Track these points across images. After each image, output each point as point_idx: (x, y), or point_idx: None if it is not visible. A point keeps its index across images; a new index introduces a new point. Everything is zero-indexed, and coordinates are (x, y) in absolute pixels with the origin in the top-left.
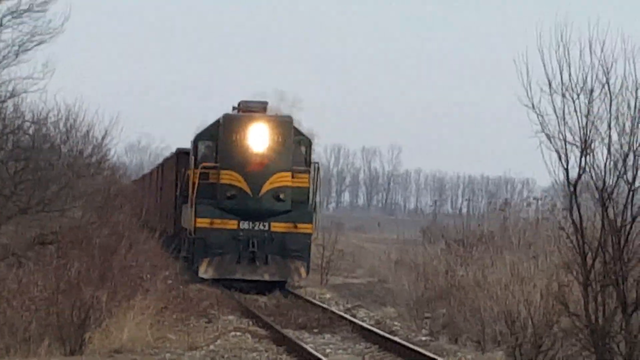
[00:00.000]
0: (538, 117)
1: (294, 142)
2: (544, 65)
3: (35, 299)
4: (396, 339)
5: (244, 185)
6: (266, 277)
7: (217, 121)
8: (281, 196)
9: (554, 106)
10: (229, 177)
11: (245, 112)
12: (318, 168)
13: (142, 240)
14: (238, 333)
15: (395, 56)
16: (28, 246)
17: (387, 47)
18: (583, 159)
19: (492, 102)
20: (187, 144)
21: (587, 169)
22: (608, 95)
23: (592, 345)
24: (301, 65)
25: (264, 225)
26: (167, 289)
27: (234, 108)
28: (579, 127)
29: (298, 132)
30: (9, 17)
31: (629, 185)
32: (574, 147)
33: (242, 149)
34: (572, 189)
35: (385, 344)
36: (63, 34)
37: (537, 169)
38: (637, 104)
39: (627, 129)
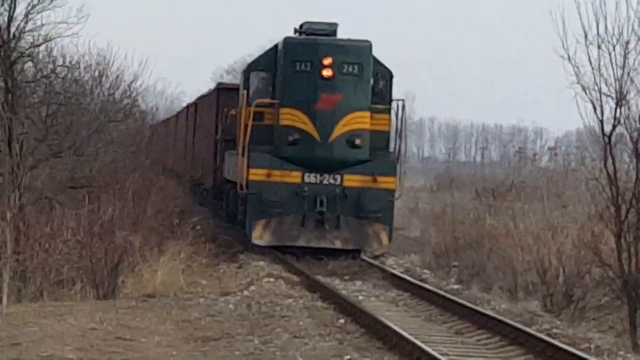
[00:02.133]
0: (573, 68)
1: (373, 74)
2: (580, 17)
3: (68, 243)
4: (428, 286)
5: (310, 127)
6: (337, 245)
7: (275, 47)
8: (357, 142)
9: (589, 57)
10: (291, 117)
11: (310, 36)
12: (403, 106)
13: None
14: (271, 279)
15: (410, 2)
16: (60, 189)
17: None
18: (618, 110)
19: (506, 52)
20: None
21: (622, 121)
22: None
23: (625, 295)
24: (313, 8)
25: (335, 179)
26: (197, 234)
27: (295, 31)
28: (614, 79)
29: (377, 62)
30: None
31: None
32: (609, 99)
33: (308, 81)
34: (607, 140)
35: (417, 291)
36: None
37: (548, 119)
38: None
39: None
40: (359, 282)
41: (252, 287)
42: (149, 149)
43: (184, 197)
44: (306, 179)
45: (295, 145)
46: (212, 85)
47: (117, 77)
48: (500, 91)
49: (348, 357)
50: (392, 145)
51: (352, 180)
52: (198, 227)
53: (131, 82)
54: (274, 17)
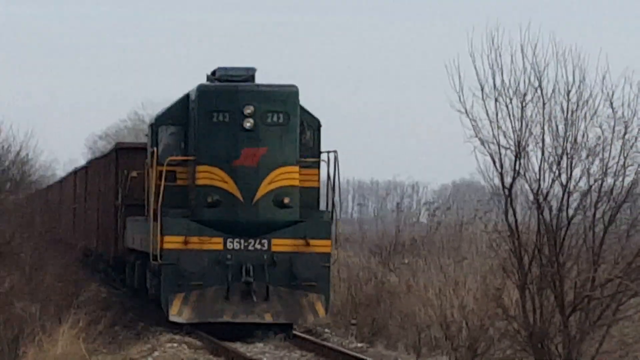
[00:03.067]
0: (471, 122)
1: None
2: (476, 70)
3: None
4: (331, 345)
5: (231, 186)
6: (268, 319)
7: (186, 97)
8: (286, 201)
9: (487, 111)
10: (209, 175)
11: (226, 82)
12: (336, 157)
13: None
14: (174, 344)
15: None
16: None
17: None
18: (517, 162)
19: (379, 105)
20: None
21: (522, 172)
22: (541, 98)
23: (531, 347)
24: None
25: (262, 244)
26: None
27: (208, 78)
28: (513, 131)
29: (302, 110)
30: None
31: (564, 188)
32: (508, 151)
33: (227, 134)
34: (507, 192)
35: (322, 350)
36: None
37: (423, 172)
38: (570, 106)
39: (561, 132)
40: (260, 344)
41: (156, 353)
42: (42, 218)
43: (78, 268)
44: (229, 245)
45: (215, 208)
46: (86, 152)
47: (4, 147)
48: (374, 147)
49: None
50: (322, 203)
51: (282, 244)
52: (98, 296)
53: (18, 152)
54: (148, 80)
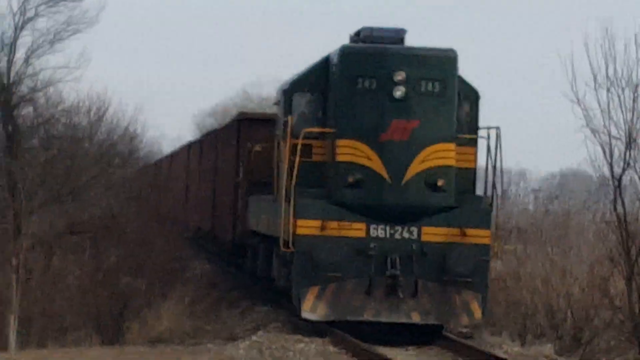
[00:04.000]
0: (583, 112)
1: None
2: (590, 60)
3: (70, 288)
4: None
5: (377, 164)
6: (415, 318)
7: (325, 61)
8: (440, 183)
9: (598, 100)
10: (351, 151)
11: (373, 44)
12: (498, 134)
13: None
14: (278, 324)
15: None
16: (59, 235)
17: None
18: (628, 153)
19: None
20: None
21: (632, 163)
22: None
23: (636, 339)
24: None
25: (411, 232)
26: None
27: (351, 39)
28: (624, 121)
29: (461, 80)
30: (44, 6)
31: None
32: (619, 142)
33: (374, 103)
34: (616, 182)
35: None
36: (98, 24)
37: (531, 160)
38: None
39: None
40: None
41: (260, 332)
42: (150, 194)
43: (186, 245)
44: (372, 233)
45: (358, 189)
46: (194, 130)
47: (113, 121)
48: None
49: None
50: (479, 187)
51: (434, 233)
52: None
53: (127, 126)
54: (260, 57)
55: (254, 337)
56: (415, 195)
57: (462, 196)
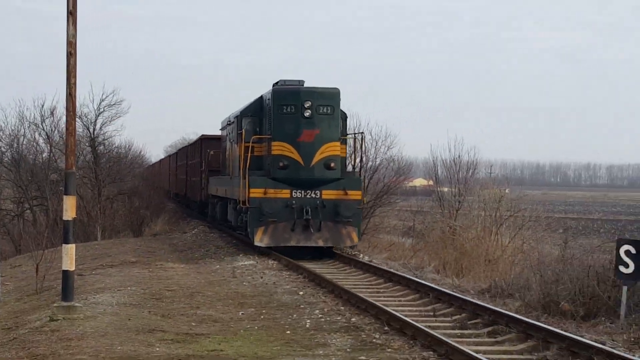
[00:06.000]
0: None
1: None
2: None
3: (120, 215)
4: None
5: (296, 155)
6: (320, 243)
7: (260, 98)
8: (332, 165)
9: None
10: (281, 148)
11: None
12: (363, 137)
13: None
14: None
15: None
16: (114, 195)
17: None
18: None
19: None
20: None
21: None
22: None
23: None
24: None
25: (316, 194)
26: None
27: (274, 85)
28: None
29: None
30: (105, 106)
31: None
32: None
33: (293, 120)
34: None
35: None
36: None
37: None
38: None
39: None
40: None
41: (196, 230)
42: (152, 178)
43: (167, 199)
44: (294, 195)
45: (285, 170)
46: (162, 154)
47: (134, 149)
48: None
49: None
50: (358, 165)
51: (329, 194)
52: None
53: (140, 151)
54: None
55: (194, 231)
56: (318, 172)
57: (345, 172)
